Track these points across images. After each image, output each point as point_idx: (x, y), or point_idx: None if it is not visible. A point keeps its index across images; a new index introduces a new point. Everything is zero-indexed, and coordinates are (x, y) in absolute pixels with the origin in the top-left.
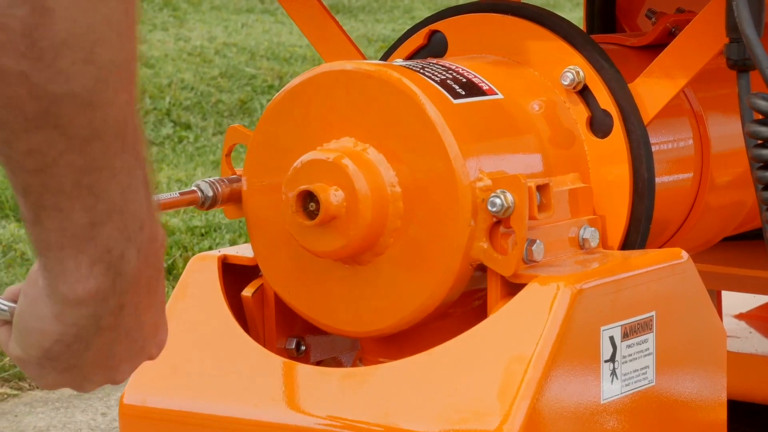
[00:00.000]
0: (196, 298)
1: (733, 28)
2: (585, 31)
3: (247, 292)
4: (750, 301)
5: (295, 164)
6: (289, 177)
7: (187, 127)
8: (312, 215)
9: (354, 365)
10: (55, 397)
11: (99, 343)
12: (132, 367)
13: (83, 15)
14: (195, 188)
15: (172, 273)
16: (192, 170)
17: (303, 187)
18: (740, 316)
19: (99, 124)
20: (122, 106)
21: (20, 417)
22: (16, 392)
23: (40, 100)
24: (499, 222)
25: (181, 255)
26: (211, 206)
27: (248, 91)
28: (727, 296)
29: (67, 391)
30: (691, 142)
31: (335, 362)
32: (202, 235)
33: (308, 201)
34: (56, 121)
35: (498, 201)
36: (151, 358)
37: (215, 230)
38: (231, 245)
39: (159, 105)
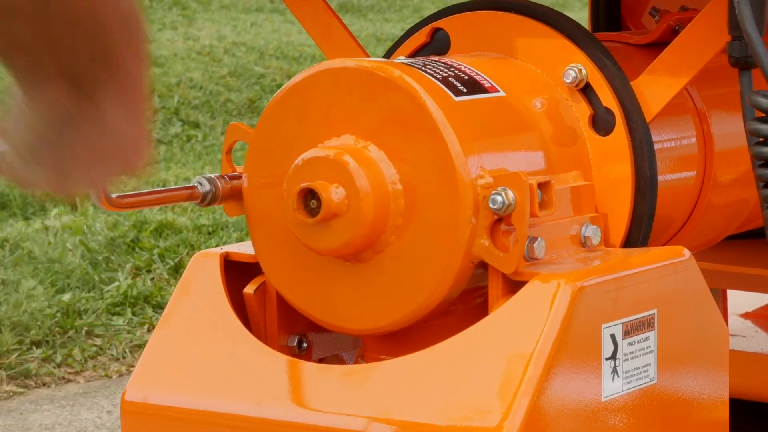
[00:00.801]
0: (198, 295)
1: (734, 25)
2: (590, 29)
3: (249, 289)
4: (756, 300)
5: (296, 161)
6: (290, 174)
7: (196, 126)
8: (313, 213)
9: (356, 362)
10: (61, 395)
11: (72, 135)
12: (109, 172)
13: None
14: (196, 183)
15: (179, 271)
16: (200, 169)
17: (304, 184)
18: (746, 315)
19: None
20: None
21: (26, 415)
22: (21, 390)
23: None
24: (501, 219)
25: (188, 253)
26: (211, 203)
27: (257, 90)
28: (732, 295)
29: (73, 389)
30: (694, 139)
31: (337, 359)
32: (210, 233)
33: (309, 198)
34: None
35: (499, 198)
36: (130, 168)
37: (222, 229)
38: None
39: (167, 104)
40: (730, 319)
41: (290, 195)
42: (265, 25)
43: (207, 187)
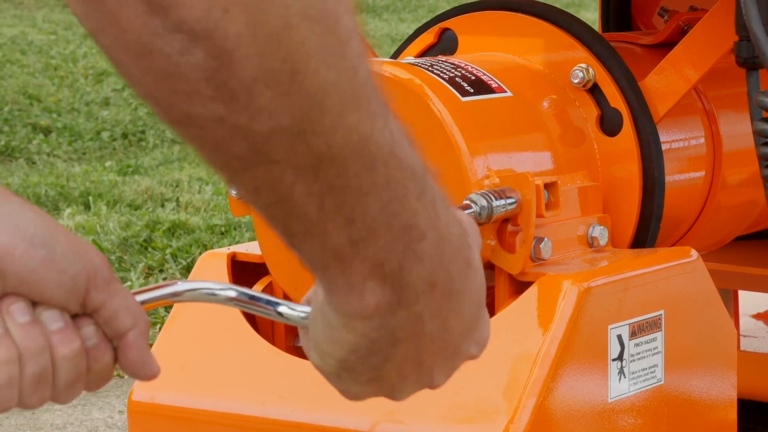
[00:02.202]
0: None
1: (742, 26)
2: (600, 29)
3: (256, 289)
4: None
5: None
6: None
7: None
8: None
9: None
10: None
11: (400, 353)
12: (449, 370)
13: (271, 48)
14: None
15: (192, 270)
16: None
17: None
18: (757, 316)
19: (324, 149)
20: (353, 127)
21: (37, 414)
22: None
23: (247, 140)
24: (507, 220)
25: (200, 253)
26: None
27: None
28: (744, 296)
29: None
30: (702, 140)
31: None
32: (222, 233)
33: None
34: (272, 156)
35: (502, 198)
36: (472, 357)
37: (235, 228)
38: None
39: None
40: (742, 320)
41: None
42: None
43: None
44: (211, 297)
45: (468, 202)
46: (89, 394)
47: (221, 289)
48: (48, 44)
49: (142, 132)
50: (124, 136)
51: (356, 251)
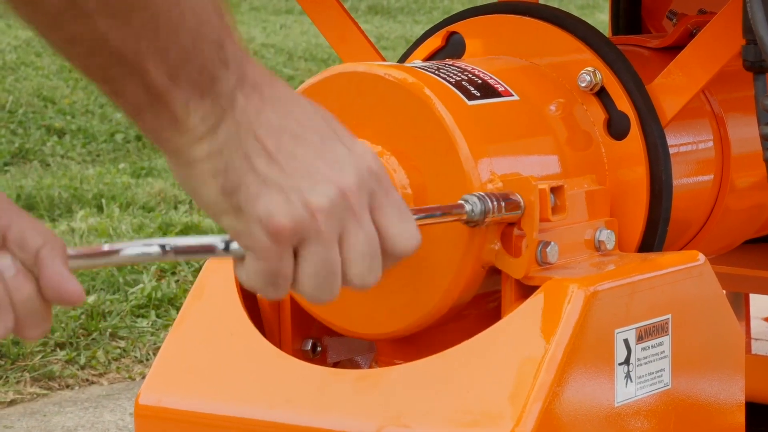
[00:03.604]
0: (212, 299)
1: (748, 29)
2: (610, 32)
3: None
4: None
5: None
6: None
7: None
8: None
9: (370, 367)
10: (84, 397)
11: (249, 170)
12: (320, 192)
13: None
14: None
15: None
16: None
17: None
18: None
19: None
20: None
21: (49, 417)
22: (45, 392)
23: None
24: (513, 224)
25: None
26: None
27: None
28: (755, 299)
29: (96, 391)
30: (711, 144)
31: (352, 364)
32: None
33: None
34: (85, 9)
35: (508, 202)
36: (319, 207)
37: None
38: None
39: None
40: (753, 323)
41: None
42: (294, 27)
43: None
44: (143, 256)
45: (461, 201)
46: (101, 397)
47: (149, 245)
48: None
49: None
50: (138, 138)
51: (175, 81)
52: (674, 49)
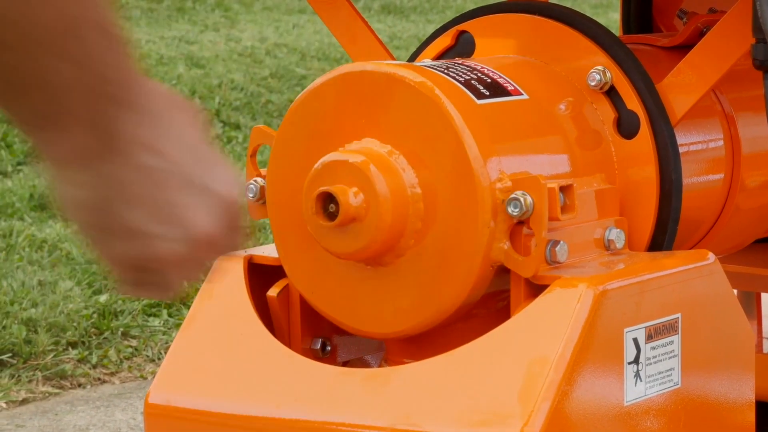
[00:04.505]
0: (221, 298)
1: (757, 28)
2: (621, 31)
3: (273, 292)
4: None
5: (315, 165)
6: (309, 178)
7: (237, 127)
8: (332, 216)
9: (380, 366)
10: (96, 396)
11: (119, 191)
12: (196, 208)
13: None
14: None
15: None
16: (240, 169)
17: (322, 188)
18: None
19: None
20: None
21: (60, 416)
22: (57, 391)
23: None
24: (522, 223)
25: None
26: None
27: (298, 91)
28: (766, 299)
29: (108, 390)
30: (721, 142)
31: (362, 363)
32: (247, 235)
33: (328, 202)
34: None
35: (518, 202)
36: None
37: (260, 230)
38: None
39: (209, 105)
40: (765, 322)
41: (309, 199)
42: (307, 27)
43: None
44: None
45: None
46: (113, 396)
47: None
48: None
49: None
50: None
51: (58, 108)
52: (684, 48)
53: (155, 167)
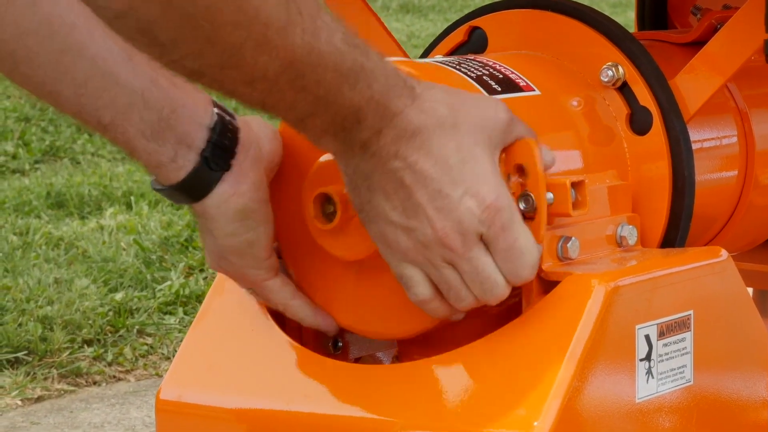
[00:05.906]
0: (232, 294)
1: None
2: (636, 28)
3: None
4: None
5: (313, 166)
6: (308, 179)
7: None
8: (331, 218)
9: (392, 363)
10: (111, 393)
11: (377, 188)
12: (446, 213)
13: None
14: None
15: None
16: None
17: (320, 189)
18: None
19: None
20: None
21: (75, 413)
22: (72, 388)
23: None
24: (531, 219)
25: None
26: None
27: None
28: None
29: (123, 388)
30: (735, 139)
31: (374, 359)
32: None
33: (326, 204)
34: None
35: (529, 198)
36: (481, 222)
37: None
38: None
39: (225, 104)
40: None
41: (308, 200)
42: None
43: None
44: None
45: None
46: (128, 393)
47: None
48: None
49: None
50: None
51: (305, 122)
52: (698, 44)
53: (404, 174)
